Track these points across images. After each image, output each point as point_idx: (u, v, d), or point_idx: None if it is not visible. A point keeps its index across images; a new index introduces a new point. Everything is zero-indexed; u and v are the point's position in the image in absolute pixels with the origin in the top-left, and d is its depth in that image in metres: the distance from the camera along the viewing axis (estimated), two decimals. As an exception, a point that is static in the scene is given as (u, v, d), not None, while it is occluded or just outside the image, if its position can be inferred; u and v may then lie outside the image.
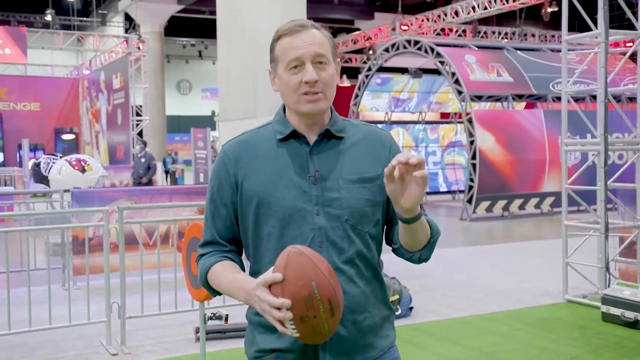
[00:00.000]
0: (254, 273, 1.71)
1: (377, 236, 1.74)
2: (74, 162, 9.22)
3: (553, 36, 24.70)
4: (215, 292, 1.76)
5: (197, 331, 5.12)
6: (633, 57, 11.98)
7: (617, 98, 14.41)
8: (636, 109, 6.02)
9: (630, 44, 19.72)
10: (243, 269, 1.73)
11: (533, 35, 24.29)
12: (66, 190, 7.40)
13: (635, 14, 6.10)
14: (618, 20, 6.69)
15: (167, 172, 22.08)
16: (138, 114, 18.50)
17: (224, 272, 1.69)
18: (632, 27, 6.30)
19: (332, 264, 1.62)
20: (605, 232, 5.99)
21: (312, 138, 1.70)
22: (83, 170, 9.13)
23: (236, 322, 5.27)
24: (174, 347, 4.99)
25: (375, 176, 1.70)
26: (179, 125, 38.17)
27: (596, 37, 6.09)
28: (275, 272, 1.47)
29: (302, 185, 1.65)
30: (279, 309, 1.44)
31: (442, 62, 13.59)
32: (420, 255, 1.71)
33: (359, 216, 1.68)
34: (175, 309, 5.27)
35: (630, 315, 5.34)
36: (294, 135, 1.70)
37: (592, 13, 6.29)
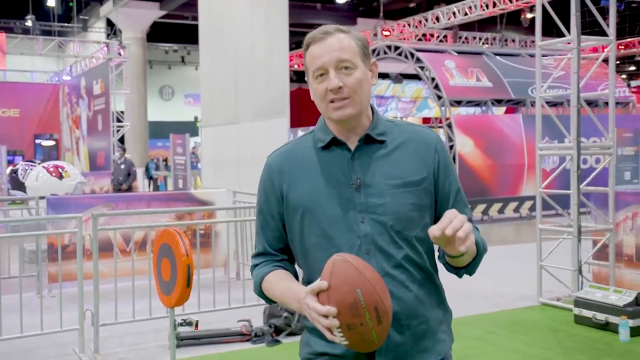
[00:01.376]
0: (307, 282, 1.71)
1: (426, 239, 1.67)
2: (51, 169, 9.17)
3: (533, 41, 24.88)
4: (270, 301, 1.79)
5: (171, 338, 5.11)
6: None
7: (595, 103, 14.59)
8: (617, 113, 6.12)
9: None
10: (296, 276, 1.76)
11: (513, 41, 24.50)
12: (42, 197, 7.35)
13: (606, 20, 6.19)
14: (594, 27, 6.77)
15: (150, 178, 21.83)
16: (119, 120, 18.40)
17: (277, 281, 1.71)
18: (604, 33, 6.38)
19: (381, 270, 1.62)
20: (578, 236, 6.06)
21: (353, 143, 1.69)
22: (60, 177, 9.08)
23: (208, 328, 5.28)
24: (148, 354, 4.97)
25: (421, 179, 1.68)
26: (161, 131, 37.97)
27: (569, 43, 6.17)
28: (321, 280, 1.49)
29: (346, 193, 1.65)
30: (326, 317, 1.46)
31: (422, 68, 13.68)
32: (465, 271, 1.71)
33: (404, 221, 1.65)
34: (150, 315, 5.25)
35: (601, 317, 5.40)
36: (335, 142, 1.70)
37: (567, 19, 6.37)
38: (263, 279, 1.74)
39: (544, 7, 6.33)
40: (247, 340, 5.21)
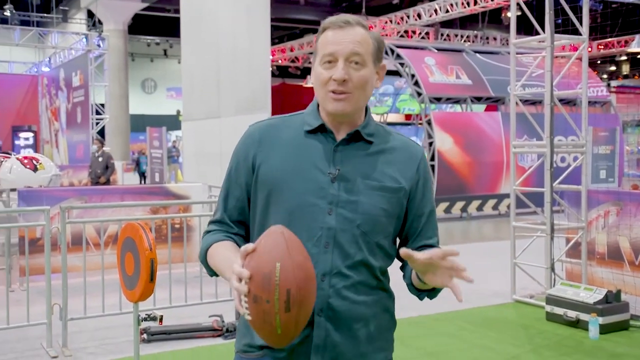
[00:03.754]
0: None
1: (386, 248, 1.68)
2: (25, 161, 9.05)
3: (515, 40, 25.00)
4: (211, 271, 1.68)
5: (141, 332, 5.06)
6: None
7: (573, 102, 14.69)
8: (591, 112, 6.15)
9: (590, 49, 20.11)
10: None
11: (495, 39, 24.60)
12: (13, 190, 7.25)
13: (580, 19, 6.22)
14: (572, 26, 6.80)
15: (142, 173, 20.82)
16: (99, 113, 18.22)
17: (222, 250, 1.63)
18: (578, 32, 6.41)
19: (336, 268, 1.58)
20: (550, 234, 6.09)
21: (340, 136, 1.65)
22: (35, 169, 8.96)
23: (180, 323, 5.25)
24: (117, 349, 4.92)
25: (397, 188, 1.65)
26: (143, 124, 37.69)
27: (543, 42, 6.19)
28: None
29: (320, 181, 1.60)
30: (240, 281, 1.38)
31: (402, 64, 13.68)
32: (427, 295, 1.69)
33: (372, 224, 1.62)
34: (120, 310, 5.20)
35: (572, 314, 5.44)
36: (322, 129, 1.65)
37: (544, 18, 6.39)
38: (210, 245, 1.66)
39: (522, 6, 6.36)
40: (219, 336, 5.17)
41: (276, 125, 1.69)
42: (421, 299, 1.71)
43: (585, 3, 6.11)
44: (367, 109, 1.71)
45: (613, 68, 34.74)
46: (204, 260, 1.68)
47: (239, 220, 1.70)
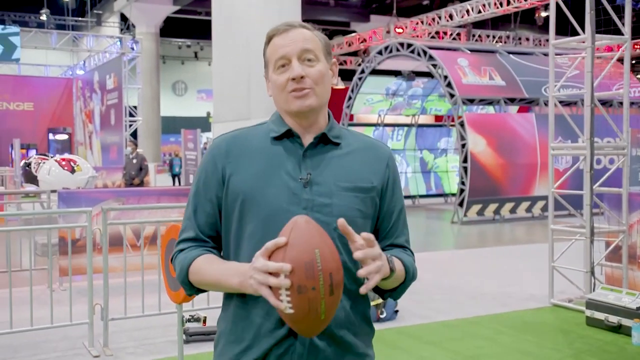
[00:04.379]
0: None
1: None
2: (63, 163, 9.20)
3: (547, 40, 24.71)
4: (192, 289, 1.65)
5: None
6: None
7: (609, 103, 14.46)
8: (631, 114, 6.04)
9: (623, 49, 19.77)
10: None
11: (527, 39, 24.35)
12: (53, 191, 7.38)
13: (621, 19, 6.11)
14: (607, 25, 6.71)
15: (175, 176, 20.85)
16: (132, 115, 18.47)
17: (211, 262, 1.60)
18: (619, 32, 6.31)
19: None
20: (590, 237, 6.00)
21: (307, 140, 1.64)
22: (72, 171, 9.11)
23: (213, 324, 5.27)
24: (157, 349, 4.98)
25: (370, 187, 1.65)
26: (174, 126, 38.14)
27: (583, 42, 6.11)
28: (279, 237, 1.41)
29: (292, 187, 1.59)
30: (275, 276, 1.37)
31: (434, 65, 13.60)
32: (390, 295, 1.68)
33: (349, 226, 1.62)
34: (159, 310, 5.25)
35: (613, 319, 5.35)
36: (289, 135, 1.64)
37: (583, 18, 6.30)
38: (191, 263, 1.60)
39: (558, 6, 6.27)
40: (256, 337, 5.19)
41: (242, 135, 1.68)
42: (384, 298, 1.69)
43: (628, 2, 6.01)
44: (328, 114, 1.70)
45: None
46: (185, 278, 1.63)
47: (210, 236, 1.68)
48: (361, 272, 1.45)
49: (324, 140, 1.65)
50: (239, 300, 1.62)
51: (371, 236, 1.47)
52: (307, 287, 1.36)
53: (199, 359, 4.75)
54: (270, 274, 1.38)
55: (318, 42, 1.64)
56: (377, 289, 1.67)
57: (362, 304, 1.68)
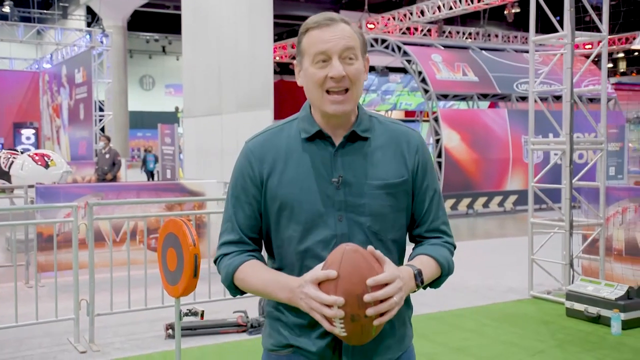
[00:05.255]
0: (277, 269, 1.69)
1: (399, 240, 1.71)
2: (37, 158, 9.03)
3: (516, 37, 25.12)
4: (237, 292, 1.71)
5: (167, 328, 5.08)
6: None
7: (579, 99, 14.74)
8: (596, 109, 6.19)
9: (590, 46, 20.18)
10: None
11: (496, 36, 24.66)
12: (30, 186, 7.25)
13: (599, 16, 6.24)
14: (580, 23, 6.83)
15: (150, 172, 20.53)
16: (101, 109, 18.20)
17: (257, 271, 1.64)
18: (594, 29, 6.45)
19: None
20: (570, 230, 6.13)
21: (337, 139, 1.65)
22: (46, 166, 8.94)
23: (205, 319, 5.25)
24: (144, 344, 4.94)
25: (401, 181, 1.67)
26: (142, 121, 37.71)
27: (561, 39, 6.22)
28: (329, 269, 1.45)
29: (326, 190, 1.61)
30: (329, 306, 1.43)
31: (408, 61, 13.70)
32: (428, 286, 1.71)
33: (381, 223, 1.65)
34: (145, 306, 5.21)
35: (593, 310, 5.47)
36: (320, 136, 1.65)
37: (555, 15, 6.41)
38: (237, 269, 1.65)
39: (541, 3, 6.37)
40: (243, 331, 5.19)
41: (273, 138, 1.69)
42: (424, 288, 1.70)
43: (606, 0, 6.14)
44: (358, 105, 1.71)
45: (610, 65, 34.87)
46: (231, 283, 1.68)
47: (253, 237, 1.71)
48: (375, 322, 1.48)
49: (353, 138, 1.66)
50: None
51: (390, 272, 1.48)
52: (360, 316, 1.43)
53: (186, 354, 4.73)
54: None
55: (357, 39, 1.64)
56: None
57: None
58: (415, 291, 1.62)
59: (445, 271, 1.70)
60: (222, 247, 1.71)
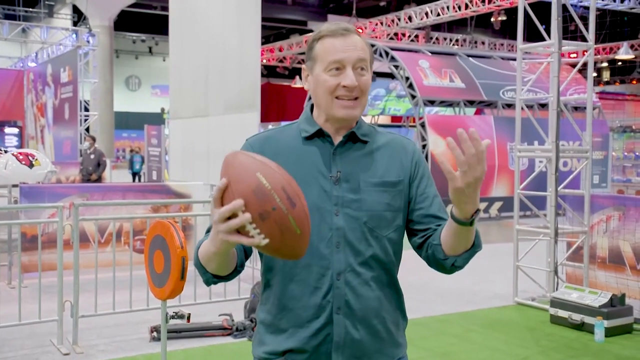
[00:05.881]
0: (266, 269, 1.71)
1: (396, 241, 1.72)
2: (21, 157, 8.93)
3: (502, 44, 25.31)
4: (206, 275, 1.61)
5: (151, 330, 5.05)
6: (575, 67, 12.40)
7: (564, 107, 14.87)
8: (581, 118, 6.26)
9: (575, 55, 20.36)
10: (240, 258, 1.64)
11: (483, 43, 24.83)
12: (14, 186, 7.18)
13: (586, 26, 6.31)
14: (565, 32, 6.89)
15: (135, 173, 20.19)
16: (86, 109, 18.06)
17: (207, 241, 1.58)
18: (579, 38, 6.51)
19: (348, 266, 1.63)
20: (555, 237, 6.17)
21: (337, 138, 1.71)
22: (31, 165, 8.84)
23: (192, 321, 5.22)
24: (128, 346, 4.90)
25: (397, 181, 1.71)
26: (127, 121, 37.48)
27: (548, 47, 6.28)
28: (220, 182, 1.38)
29: (324, 185, 1.66)
30: (234, 217, 1.33)
31: (396, 67, 13.75)
32: (455, 261, 1.64)
33: (378, 219, 1.67)
34: (130, 308, 5.17)
35: (577, 317, 5.52)
36: (320, 134, 1.70)
37: (542, 24, 6.48)
38: (201, 244, 1.60)
39: (518, 11, 6.42)
40: (229, 335, 5.17)
41: (273, 136, 1.74)
42: (448, 266, 1.66)
43: (592, 10, 6.21)
44: None
45: (594, 74, 35.23)
46: (197, 261, 1.63)
47: None
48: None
49: (352, 139, 1.72)
50: (278, 292, 1.68)
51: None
52: (267, 211, 1.33)
53: (171, 356, 4.70)
54: (230, 218, 1.35)
55: (368, 51, 1.69)
56: (440, 261, 1.65)
57: (395, 294, 1.75)
58: (465, 224, 1.57)
59: (478, 240, 1.65)
60: (205, 235, 1.66)
